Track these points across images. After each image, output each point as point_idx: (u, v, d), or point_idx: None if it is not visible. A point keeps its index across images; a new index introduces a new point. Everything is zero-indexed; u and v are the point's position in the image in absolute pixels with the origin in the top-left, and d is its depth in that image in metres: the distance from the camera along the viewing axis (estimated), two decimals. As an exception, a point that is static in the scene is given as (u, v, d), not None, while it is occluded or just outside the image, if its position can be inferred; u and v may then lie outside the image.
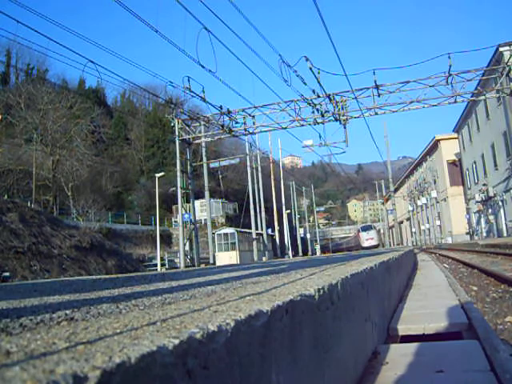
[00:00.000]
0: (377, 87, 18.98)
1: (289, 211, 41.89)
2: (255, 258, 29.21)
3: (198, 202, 32.10)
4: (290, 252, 37.90)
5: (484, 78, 19.99)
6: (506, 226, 30.20)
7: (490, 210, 33.90)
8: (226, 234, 28.79)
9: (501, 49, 24.40)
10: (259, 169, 34.29)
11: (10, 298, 1.33)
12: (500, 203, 31.27)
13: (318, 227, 67.47)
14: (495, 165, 31.60)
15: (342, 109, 19.76)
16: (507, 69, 18.60)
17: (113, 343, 0.62)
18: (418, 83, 18.94)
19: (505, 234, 29.81)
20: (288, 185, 47.95)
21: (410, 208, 59.38)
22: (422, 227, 57.61)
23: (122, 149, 49.84)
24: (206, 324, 0.73)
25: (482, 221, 36.92)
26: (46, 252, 16.23)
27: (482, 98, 20.96)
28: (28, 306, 1.10)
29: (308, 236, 55.04)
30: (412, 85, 19.02)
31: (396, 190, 52.74)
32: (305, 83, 16.19)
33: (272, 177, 36.15)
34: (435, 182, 48.64)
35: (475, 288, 5.78)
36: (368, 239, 45.66)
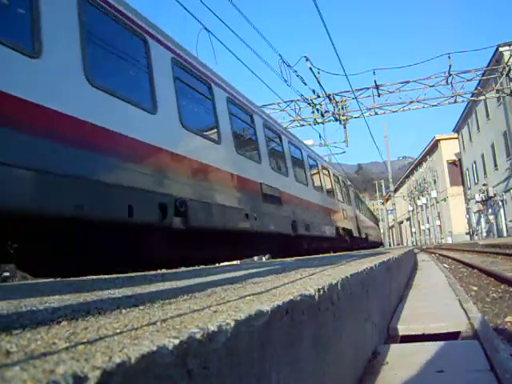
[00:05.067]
0: (377, 87, 19.00)
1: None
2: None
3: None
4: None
5: (484, 78, 20.02)
6: (506, 226, 30.21)
7: (490, 210, 33.92)
8: (225, 234, 28.54)
9: (501, 49, 24.43)
10: (259, 169, 34.22)
11: (10, 298, 1.33)
12: (500, 203, 31.28)
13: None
14: (495, 165, 31.61)
15: (342, 109, 19.79)
16: (507, 69, 18.61)
17: (113, 343, 0.62)
18: (418, 83, 18.98)
19: (505, 234, 29.82)
20: (288, 185, 47.89)
21: (410, 208, 59.39)
22: (422, 227, 57.64)
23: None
24: (206, 324, 0.73)
25: (482, 221, 36.93)
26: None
27: (482, 97, 20.99)
28: (28, 306, 1.10)
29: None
30: (412, 85, 19.07)
31: (396, 190, 52.75)
32: (305, 83, 16.21)
33: (272, 177, 36.09)
34: (435, 182, 48.66)
35: (475, 288, 5.78)
36: None
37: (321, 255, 7.96)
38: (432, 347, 2.19)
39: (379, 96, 19.24)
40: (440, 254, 18.28)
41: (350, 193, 18.00)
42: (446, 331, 2.74)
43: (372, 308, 2.34)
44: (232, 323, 0.77)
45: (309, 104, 19.14)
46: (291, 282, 1.59)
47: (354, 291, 1.81)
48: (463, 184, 42.79)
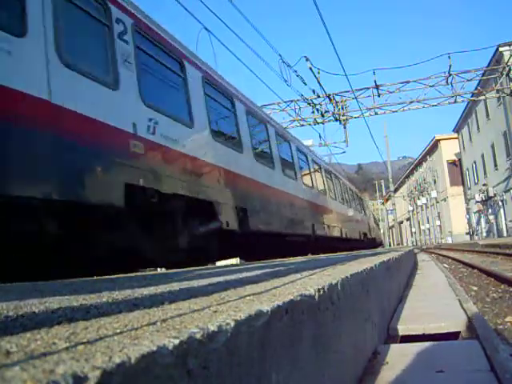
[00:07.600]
0: (377, 87, 18.99)
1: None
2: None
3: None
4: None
5: (484, 78, 20.02)
6: (506, 226, 30.20)
7: (490, 210, 33.92)
8: (226, 234, 28.66)
9: (501, 49, 24.43)
10: (259, 169, 34.28)
11: (9, 298, 1.33)
12: (500, 203, 31.28)
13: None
14: (495, 165, 31.60)
15: (342, 109, 19.78)
16: (507, 69, 18.61)
17: (113, 343, 0.62)
18: (418, 83, 18.97)
19: (505, 234, 29.82)
20: (288, 185, 47.90)
21: (410, 208, 59.38)
22: (422, 227, 57.63)
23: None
24: (206, 324, 0.73)
25: (482, 221, 36.93)
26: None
27: (482, 97, 20.98)
28: (28, 306, 1.10)
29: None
30: (412, 85, 19.07)
31: (396, 190, 52.74)
32: (305, 83, 16.20)
33: (272, 177, 36.18)
34: (435, 182, 48.65)
35: (475, 288, 5.78)
36: None
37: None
38: (432, 347, 2.19)
39: (379, 96, 19.24)
40: (440, 254, 18.27)
41: (364, 204, 23.69)
42: (446, 331, 2.74)
43: (372, 308, 2.34)
44: (232, 323, 0.77)
45: (309, 104, 19.13)
46: (291, 281, 1.58)
47: (353, 291, 1.81)
48: (463, 184, 42.77)
